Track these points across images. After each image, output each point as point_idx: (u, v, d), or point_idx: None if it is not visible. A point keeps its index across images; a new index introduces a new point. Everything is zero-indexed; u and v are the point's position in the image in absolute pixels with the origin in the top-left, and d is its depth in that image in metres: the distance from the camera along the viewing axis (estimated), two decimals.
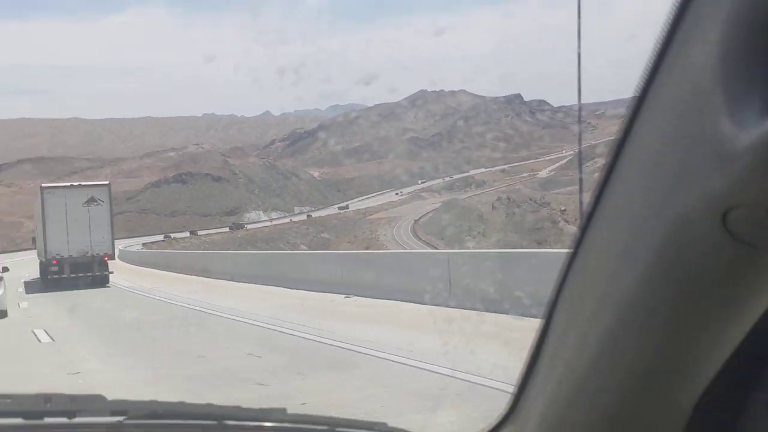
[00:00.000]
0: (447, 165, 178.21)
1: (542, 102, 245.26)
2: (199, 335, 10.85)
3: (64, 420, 1.14)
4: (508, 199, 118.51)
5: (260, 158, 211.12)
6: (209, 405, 1.23)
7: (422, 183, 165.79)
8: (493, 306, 8.80)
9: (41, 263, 25.58)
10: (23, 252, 57.07)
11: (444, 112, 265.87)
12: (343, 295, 13.83)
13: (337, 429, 1.17)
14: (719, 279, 0.56)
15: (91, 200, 23.65)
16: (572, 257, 0.73)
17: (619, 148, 0.62)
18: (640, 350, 0.67)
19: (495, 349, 6.03)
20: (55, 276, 22.75)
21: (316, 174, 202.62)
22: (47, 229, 23.24)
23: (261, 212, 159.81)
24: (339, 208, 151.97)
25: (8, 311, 15.01)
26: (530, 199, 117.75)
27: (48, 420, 1.17)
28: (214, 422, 1.17)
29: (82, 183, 27.72)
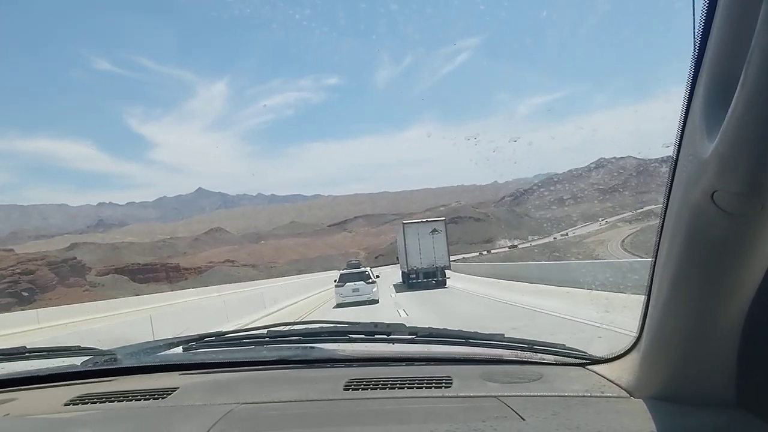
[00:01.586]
0: (623, 206, 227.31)
1: None
2: (485, 309, 15.68)
3: (383, 336, 1.88)
4: None
5: (500, 206, 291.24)
6: (461, 331, 1.85)
7: (613, 217, 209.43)
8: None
9: (403, 272, 33.41)
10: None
11: (617, 171, 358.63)
12: (588, 290, 16.03)
13: (534, 346, 1.75)
14: (720, 237, 0.88)
15: (434, 231, 30.53)
16: (657, 243, 1.10)
17: (670, 179, 0.99)
18: (692, 292, 1.01)
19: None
20: (412, 280, 29.34)
21: (537, 215, 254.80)
22: (408, 249, 29.87)
23: (507, 240, 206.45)
24: (562, 235, 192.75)
25: (381, 300, 21.73)
26: None
27: (376, 336, 1.90)
28: (462, 339, 1.81)
29: (428, 219, 34.24)
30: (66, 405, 1.55)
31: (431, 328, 1.91)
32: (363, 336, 1.91)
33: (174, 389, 1.59)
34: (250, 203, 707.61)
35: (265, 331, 2.07)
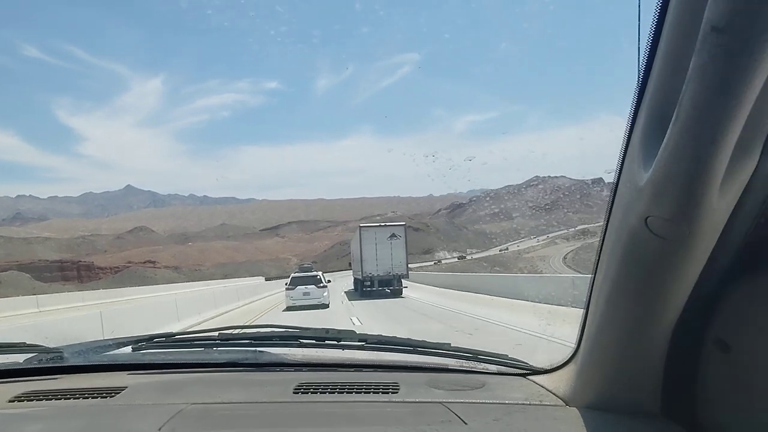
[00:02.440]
0: (557, 224, 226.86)
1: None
2: (438, 321, 15.49)
3: (334, 342, 1.90)
4: None
5: (437, 218, 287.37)
6: (409, 339, 1.91)
7: (547, 236, 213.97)
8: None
9: (356, 279, 31.54)
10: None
11: (552, 189, 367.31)
12: (531, 302, 17.25)
13: (479, 356, 1.81)
14: (652, 258, 0.95)
15: (393, 236, 28.50)
16: (596, 261, 1.16)
17: (610, 203, 1.05)
18: (626, 308, 1.09)
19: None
20: (367, 288, 27.62)
21: (474, 228, 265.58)
22: (363, 255, 27.98)
23: (446, 252, 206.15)
24: (500, 250, 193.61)
25: (332, 306, 21.79)
26: None
27: (326, 342, 1.92)
28: (410, 348, 1.86)
29: (387, 223, 30.97)
30: (11, 401, 1.53)
31: (380, 335, 1.96)
32: (314, 341, 1.93)
33: (122, 388, 1.58)
34: (181, 203, 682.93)
35: (216, 333, 2.06)
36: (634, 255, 0.98)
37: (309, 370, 1.79)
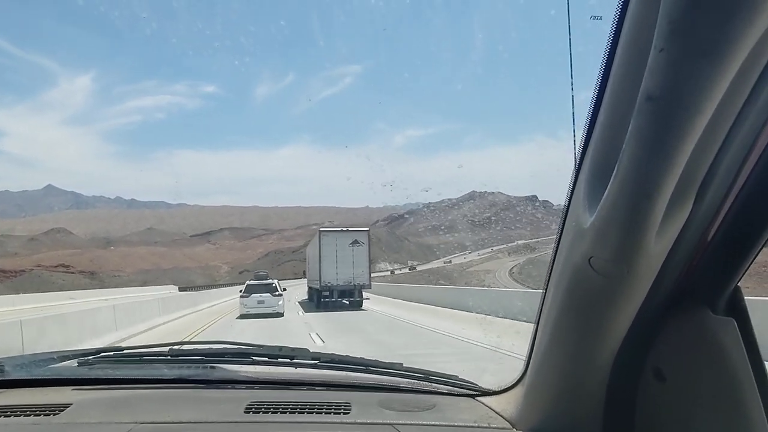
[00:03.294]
0: (495, 238, 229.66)
1: (547, 201, 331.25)
2: (402, 335, 15.25)
3: (287, 360, 1.88)
4: None
5: (378, 228, 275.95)
6: (362, 358, 1.90)
7: (491, 249, 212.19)
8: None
9: (312, 289, 30.28)
10: (223, 287, 61.42)
11: (488, 205, 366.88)
12: (477, 314, 17.72)
13: (430, 377, 1.82)
14: (595, 293, 1.01)
15: (355, 242, 26.57)
16: (544, 289, 1.21)
17: (558, 236, 1.10)
18: (570, 336, 1.15)
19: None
20: (325, 299, 25.70)
21: (415, 240, 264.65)
22: (322, 262, 26.01)
23: (387, 263, 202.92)
24: (444, 262, 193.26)
25: (288, 318, 20.98)
26: None
27: (279, 359, 1.89)
28: (363, 367, 1.85)
29: (349, 228, 29.81)
30: None
31: (333, 354, 1.96)
32: (266, 359, 1.90)
33: (67, 405, 1.51)
34: (106, 206, 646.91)
35: (166, 348, 2.01)
36: (578, 289, 1.04)
37: (261, 388, 1.76)
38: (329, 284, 26.15)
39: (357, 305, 26.11)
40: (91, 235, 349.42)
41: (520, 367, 1.30)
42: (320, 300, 26.48)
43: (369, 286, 27.70)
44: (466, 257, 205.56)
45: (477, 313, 18.06)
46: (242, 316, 20.84)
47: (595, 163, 0.91)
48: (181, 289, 53.79)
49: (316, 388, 1.78)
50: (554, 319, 1.15)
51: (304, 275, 34.56)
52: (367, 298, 27.02)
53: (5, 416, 1.45)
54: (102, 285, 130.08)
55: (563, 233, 1.07)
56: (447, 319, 18.10)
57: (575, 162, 1.00)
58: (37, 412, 1.47)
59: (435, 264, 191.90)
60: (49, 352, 2.02)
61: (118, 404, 1.61)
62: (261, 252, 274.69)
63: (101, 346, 2.14)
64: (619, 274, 0.92)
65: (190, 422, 1.44)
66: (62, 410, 1.48)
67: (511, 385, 1.52)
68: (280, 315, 21.14)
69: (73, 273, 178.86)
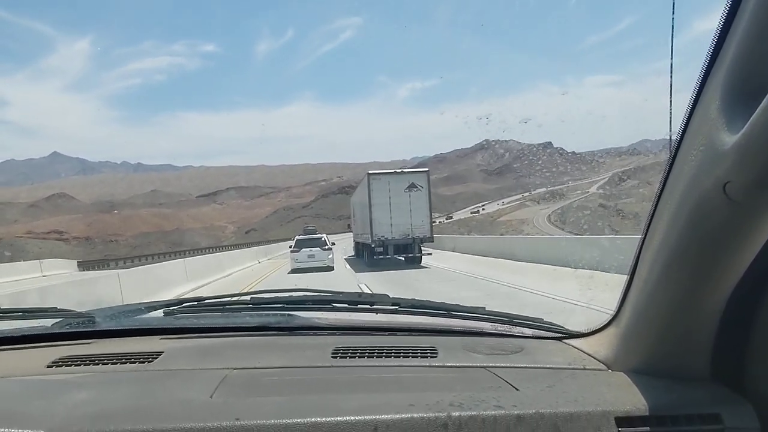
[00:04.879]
0: (511, 187, 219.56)
1: (561, 148, 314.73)
2: (469, 288, 13.46)
3: (367, 306, 1.89)
4: (601, 205, 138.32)
5: None
6: (443, 303, 1.88)
7: (521, 196, 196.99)
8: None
9: (360, 244, 26.84)
10: (229, 247, 59.26)
11: (501, 153, 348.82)
12: (553, 266, 16.27)
13: (514, 320, 1.79)
14: (722, 225, 0.92)
15: (412, 186, 22.51)
16: (648, 225, 1.11)
17: (669, 166, 1.00)
18: (681, 275, 1.06)
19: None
20: (379, 256, 22.04)
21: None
22: (373, 212, 22.37)
23: None
24: (471, 212, 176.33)
25: (336, 268, 21.32)
26: (608, 204, 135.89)
27: (359, 306, 1.90)
28: (444, 311, 1.83)
29: (404, 170, 24.98)
30: (49, 367, 1.50)
31: (414, 299, 1.93)
32: (346, 305, 1.91)
33: (159, 353, 1.56)
34: (113, 171, 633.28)
35: (248, 297, 2.05)
36: (702, 221, 0.96)
37: (343, 334, 1.76)
38: (382, 238, 22.26)
39: (415, 261, 22.51)
40: (95, 200, 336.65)
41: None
42: (372, 257, 22.74)
43: (431, 239, 22.72)
44: (489, 207, 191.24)
45: (558, 266, 15.84)
46: (293, 271, 21.46)
47: (735, 73, 0.81)
48: (82, 267, 35.50)
49: (399, 333, 1.75)
50: (666, 255, 1.07)
51: (348, 229, 32.52)
52: (429, 253, 22.86)
53: (103, 364, 1.50)
54: (94, 254, 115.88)
55: (679, 157, 0.99)
56: (535, 275, 15.09)
57: (702, 69, 0.88)
58: (132, 359, 1.51)
59: (461, 214, 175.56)
60: (135, 303, 2.07)
61: (207, 352, 1.64)
62: (268, 210, 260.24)
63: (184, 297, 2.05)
64: (758, 202, 0.85)
65: (281, 367, 1.47)
66: (155, 358, 1.52)
67: (600, 326, 1.48)
68: (330, 269, 21.56)
69: (65, 239, 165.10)
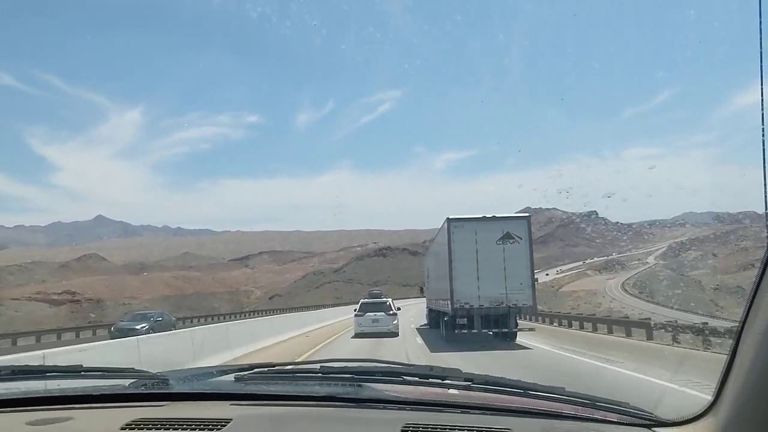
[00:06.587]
0: (557, 256, 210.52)
1: (605, 218, 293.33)
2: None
3: (438, 380, 1.78)
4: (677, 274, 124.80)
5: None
6: (519, 381, 1.76)
7: (582, 263, 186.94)
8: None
9: (435, 312, 21.64)
10: (250, 313, 59.73)
11: (545, 222, 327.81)
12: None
13: (597, 403, 1.63)
14: None
15: (507, 236, 17.01)
16: (750, 302, 1.01)
17: None
18: None
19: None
20: (462, 330, 16.98)
21: None
22: (455, 271, 17.07)
23: None
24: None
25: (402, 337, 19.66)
26: (681, 274, 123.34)
27: (430, 379, 1.79)
28: (521, 390, 1.70)
29: (496, 215, 17.88)
30: (122, 429, 1.51)
31: (487, 375, 1.83)
32: (417, 378, 1.82)
33: (228, 420, 1.53)
34: (153, 234, 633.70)
35: (317, 366, 2.00)
36: None
37: (412, 409, 1.65)
38: (466, 305, 16.76)
39: (509, 338, 17.23)
40: (128, 261, 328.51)
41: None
42: (450, 330, 17.43)
43: (533, 308, 17.60)
44: (542, 276, 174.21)
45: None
46: (357, 335, 20.72)
47: None
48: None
49: (472, 411, 1.62)
50: None
51: (421, 292, 28.47)
52: (531, 329, 19.77)
53: (173, 429, 1.50)
54: (76, 320, 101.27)
55: None
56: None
57: None
58: (201, 426, 1.49)
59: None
60: (208, 367, 2.08)
61: (275, 421, 1.62)
62: (298, 275, 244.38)
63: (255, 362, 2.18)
64: None
65: None
66: (224, 425, 1.49)
67: (697, 414, 1.33)
68: (394, 335, 20.25)
69: (77, 301, 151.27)
